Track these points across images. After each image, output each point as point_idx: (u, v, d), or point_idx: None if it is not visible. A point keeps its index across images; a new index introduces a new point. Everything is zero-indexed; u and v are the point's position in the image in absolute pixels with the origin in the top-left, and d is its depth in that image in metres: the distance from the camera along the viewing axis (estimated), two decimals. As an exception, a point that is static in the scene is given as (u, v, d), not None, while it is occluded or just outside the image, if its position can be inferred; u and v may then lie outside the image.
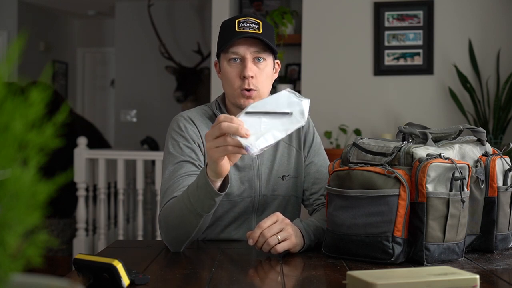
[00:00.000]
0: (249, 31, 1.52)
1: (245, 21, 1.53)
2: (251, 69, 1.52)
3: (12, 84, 0.55)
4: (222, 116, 1.21)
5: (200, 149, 1.57)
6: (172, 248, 1.45)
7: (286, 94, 1.23)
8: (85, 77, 7.69)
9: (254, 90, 1.53)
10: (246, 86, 1.53)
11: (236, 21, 1.54)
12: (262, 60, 1.55)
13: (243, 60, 1.54)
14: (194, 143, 1.56)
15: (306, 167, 1.67)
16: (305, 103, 1.22)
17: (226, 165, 1.27)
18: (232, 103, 1.59)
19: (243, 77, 1.52)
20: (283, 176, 1.62)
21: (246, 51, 1.53)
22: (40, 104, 0.54)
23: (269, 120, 1.21)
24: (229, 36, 1.53)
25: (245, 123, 1.20)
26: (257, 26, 1.53)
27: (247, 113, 1.21)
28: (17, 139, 0.52)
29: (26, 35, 6.23)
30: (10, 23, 6.38)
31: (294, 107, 1.21)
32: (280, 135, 1.21)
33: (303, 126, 1.68)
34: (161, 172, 1.60)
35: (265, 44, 1.54)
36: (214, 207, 1.36)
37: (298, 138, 1.68)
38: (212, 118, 1.62)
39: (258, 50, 1.54)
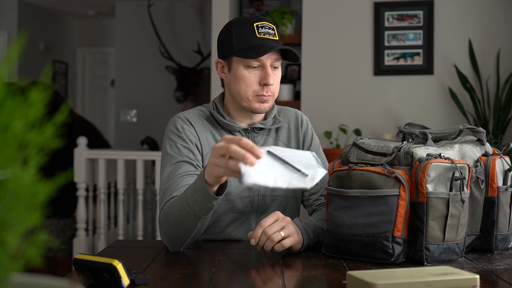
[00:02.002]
0: (269, 37, 1.53)
1: (263, 26, 1.54)
2: (272, 77, 1.54)
3: (12, 84, 0.55)
4: (236, 138, 1.19)
5: (198, 149, 1.57)
6: (172, 249, 1.45)
7: (309, 156, 1.23)
8: (85, 77, 7.69)
9: (271, 95, 1.56)
10: (265, 93, 1.54)
11: (255, 25, 1.53)
12: (278, 67, 1.57)
13: (264, 67, 1.54)
14: (192, 143, 1.56)
15: None
16: (321, 172, 1.21)
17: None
18: (243, 107, 1.58)
19: (264, 84, 1.53)
20: None
21: (268, 59, 1.53)
22: (40, 104, 0.54)
23: (281, 168, 1.19)
24: (251, 41, 1.52)
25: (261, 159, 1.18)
26: (273, 32, 1.55)
27: (269, 152, 1.19)
28: (17, 139, 0.52)
29: (26, 35, 6.23)
30: (10, 23, 6.38)
31: (310, 170, 1.20)
32: (281, 184, 1.18)
33: (301, 128, 1.69)
34: (159, 173, 1.60)
35: (280, 52, 1.56)
36: (212, 210, 1.36)
37: (297, 139, 1.68)
38: (210, 119, 1.63)
39: (277, 58, 1.55)
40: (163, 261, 1.35)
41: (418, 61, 3.73)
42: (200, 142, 1.58)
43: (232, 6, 3.98)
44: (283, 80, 3.96)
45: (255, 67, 1.53)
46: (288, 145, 1.66)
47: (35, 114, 0.53)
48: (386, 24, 3.76)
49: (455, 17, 3.73)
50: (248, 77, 1.54)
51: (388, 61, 3.75)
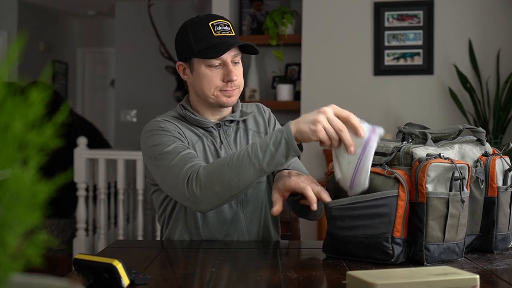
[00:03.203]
0: (226, 34, 1.57)
1: (219, 24, 1.58)
2: (235, 73, 1.58)
3: (12, 84, 0.55)
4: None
5: (184, 138, 1.58)
6: (204, 205, 1.43)
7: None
8: (85, 77, 7.69)
9: (236, 88, 1.61)
10: (230, 88, 1.58)
11: (210, 24, 1.57)
12: (238, 62, 1.61)
13: (225, 64, 1.58)
14: (177, 133, 1.58)
15: None
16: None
17: None
18: (211, 103, 1.61)
19: (228, 81, 1.58)
20: None
21: (228, 56, 1.58)
22: (40, 104, 0.54)
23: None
24: (209, 41, 1.56)
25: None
26: (229, 28, 1.60)
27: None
28: (17, 139, 0.52)
29: (26, 35, 6.23)
30: (10, 23, 6.38)
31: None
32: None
33: (265, 114, 1.75)
34: (153, 162, 1.54)
35: (239, 47, 1.60)
36: (280, 167, 1.38)
37: (264, 125, 1.73)
38: (181, 120, 1.64)
39: (237, 53, 1.60)
40: (163, 261, 1.35)
41: (418, 61, 3.73)
42: (184, 135, 1.59)
43: (232, 6, 3.98)
44: (283, 80, 3.96)
45: (216, 66, 1.58)
46: (257, 132, 1.70)
47: (35, 114, 0.53)
48: (386, 24, 3.76)
49: (455, 17, 3.73)
50: (211, 76, 1.58)
51: (388, 61, 3.75)
